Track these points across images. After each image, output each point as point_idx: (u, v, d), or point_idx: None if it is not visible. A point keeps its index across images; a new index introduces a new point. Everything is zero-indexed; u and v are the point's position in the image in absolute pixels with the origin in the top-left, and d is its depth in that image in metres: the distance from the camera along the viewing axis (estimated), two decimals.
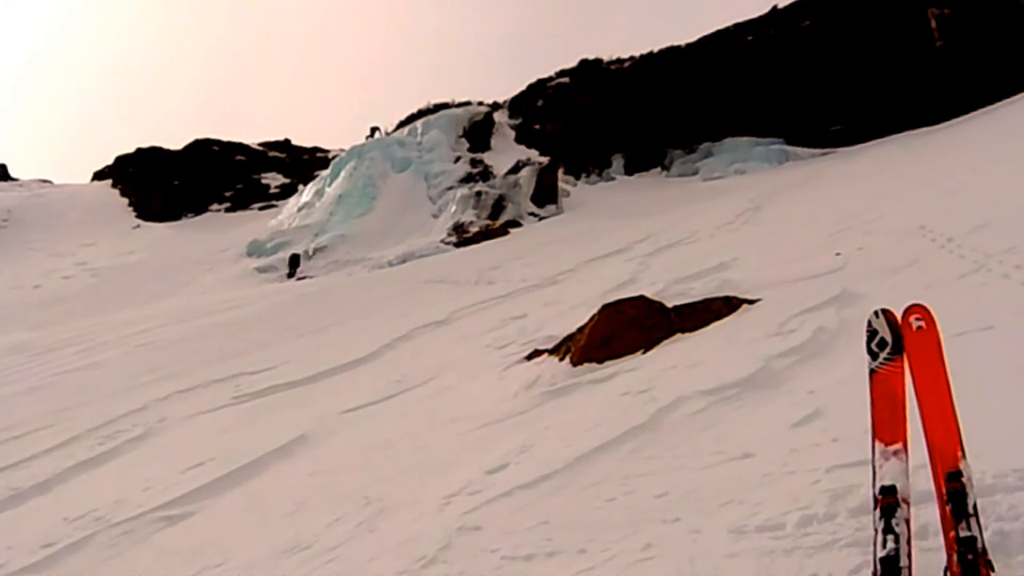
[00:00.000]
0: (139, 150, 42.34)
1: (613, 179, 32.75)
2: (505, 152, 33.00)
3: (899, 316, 2.60)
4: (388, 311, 15.15)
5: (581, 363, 7.51)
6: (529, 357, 8.59)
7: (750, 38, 32.47)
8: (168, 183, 39.28)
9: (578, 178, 32.22)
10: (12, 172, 45.71)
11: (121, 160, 42.92)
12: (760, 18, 32.86)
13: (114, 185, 41.63)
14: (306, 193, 33.95)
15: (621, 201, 27.43)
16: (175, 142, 54.80)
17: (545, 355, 8.32)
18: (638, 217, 21.55)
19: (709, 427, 4.89)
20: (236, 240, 31.59)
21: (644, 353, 7.36)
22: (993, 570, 2.13)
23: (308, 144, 45.32)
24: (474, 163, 31.63)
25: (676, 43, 34.82)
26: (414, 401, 8.42)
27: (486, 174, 30.71)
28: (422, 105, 37.67)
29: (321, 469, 6.76)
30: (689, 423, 5.07)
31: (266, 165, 41.60)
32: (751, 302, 8.01)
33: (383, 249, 26.57)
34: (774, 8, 32.67)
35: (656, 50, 35.34)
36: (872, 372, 2.61)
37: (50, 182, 45.41)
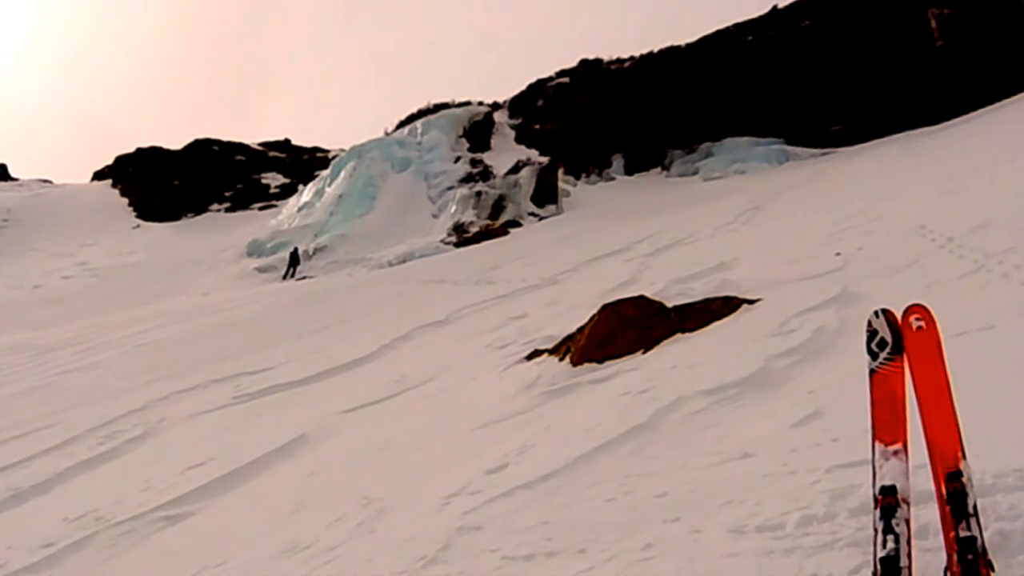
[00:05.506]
0: (139, 150, 42.36)
1: (613, 179, 32.74)
2: (505, 152, 32.99)
3: (899, 316, 2.60)
4: (388, 311, 15.15)
5: (581, 363, 7.51)
6: (529, 357, 8.59)
7: (750, 38, 32.48)
8: (168, 183, 39.29)
9: (578, 178, 32.21)
10: (12, 172, 45.71)
11: (121, 160, 42.92)
12: (760, 18, 32.87)
13: (114, 185, 41.63)
14: (306, 193, 33.95)
15: (621, 201, 27.42)
16: (175, 142, 54.91)
17: (545, 355, 8.32)
18: (638, 217, 21.55)
19: (709, 427, 4.89)
20: (236, 240, 31.58)
21: (644, 353, 7.36)
22: (993, 570, 2.13)
23: (308, 144, 45.38)
24: (474, 163, 31.63)
25: (676, 43, 34.89)
26: (414, 401, 8.41)
27: (486, 174, 30.70)
28: (422, 105, 37.75)
29: (321, 469, 6.76)
30: (689, 423, 5.06)
31: (266, 165, 41.61)
32: (751, 302, 8.01)
33: (383, 249, 26.57)
34: (774, 8, 32.68)
35: (656, 50, 35.38)
36: (872, 372, 2.61)
37: (50, 182, 45.39)
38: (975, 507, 2.22)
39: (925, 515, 2.62)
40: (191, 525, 6.12)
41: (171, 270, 28.78)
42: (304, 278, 25.95)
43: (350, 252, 27.30)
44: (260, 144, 43.59)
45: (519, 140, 35.04)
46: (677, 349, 7.21)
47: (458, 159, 31.88)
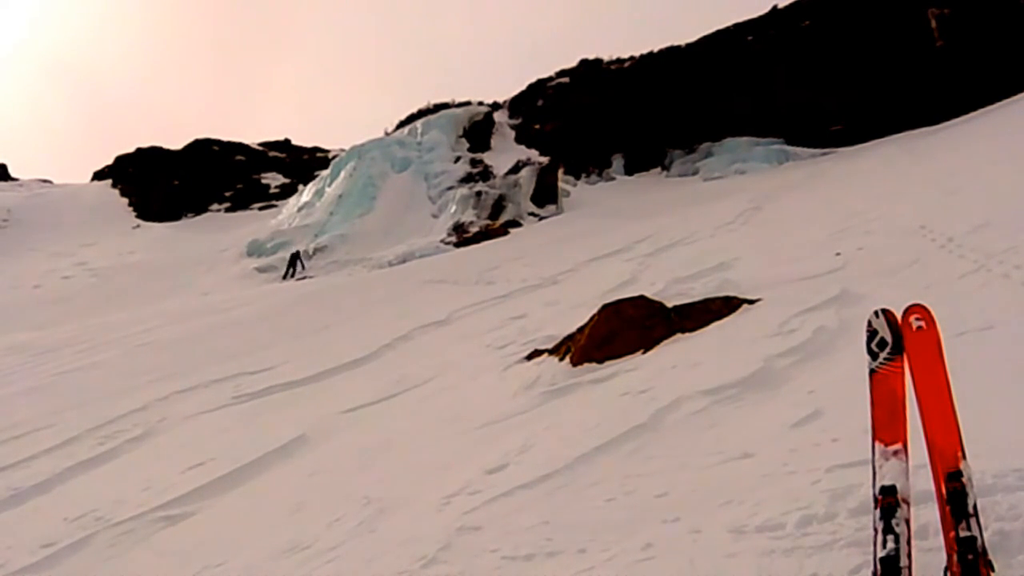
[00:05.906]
0: (139, 150, 42.37)
1: (613, 179, 32.76)
2: (505, 152, 33.01)
3: (899, 316, 2.60)
4: (388, 311, 15.15)
5: (581, 363, 7.51)
6: (529, 357, 8.59)
7: (750, 38, 32.49)
8: (168, 183, 39.31)
9: (578, 178, 32.22)
10: (12, 172, 45.72)
11: (121, 160, 42.96)
12: (760, 18, 32.88)
13: (114, 185, 41.67)
14: (306, 193, 33.96)
15: (621, 201, 27.43)
16: (175, 142, 54.95)
17: (545, 355, 8.32)
18: (638, 217, 21.55)
19: (709, 427, 4.89)
20: (236, 240, 31.59)
21: (644, 353, 7.36)
22: (993, 570, 2.13)
23: (308, 144, 45.40)
24: (474, 163, 31.63)
25: (676, 43, 34.90)
26: (414, 401, 8.41)
27: (486, 174, 30.70)
28: (422, 105, 37.76)
29: (321, 469, 6.76)
30: (689, 423, 5.06)
31: (266, 165, 41.62)
32: (751, 302, 8.00)
33: (383, 249, 26.58)
34: (774, 8, 32.69)
35: (656, 50, 35.40)
36: (872, 372, 2.60)
37: (50, 182, 45.43)
38: (975, 507, 2.22)
39: (925, 515, 2.62)
40: (191, 525, 6.12)
41: (171, 270, 28.80)
42: (304, 278, 25.96)
43: (350, 252, 27.31)
44: (260, 144, 43.61)
45: (519, 140, 35.06)
46: (677, 349, 7.21)
47: (458, 159, 31.89)
